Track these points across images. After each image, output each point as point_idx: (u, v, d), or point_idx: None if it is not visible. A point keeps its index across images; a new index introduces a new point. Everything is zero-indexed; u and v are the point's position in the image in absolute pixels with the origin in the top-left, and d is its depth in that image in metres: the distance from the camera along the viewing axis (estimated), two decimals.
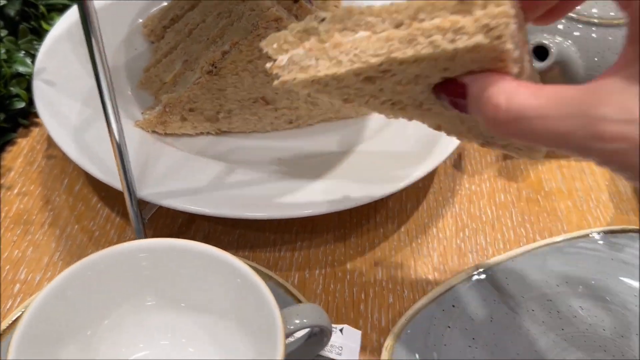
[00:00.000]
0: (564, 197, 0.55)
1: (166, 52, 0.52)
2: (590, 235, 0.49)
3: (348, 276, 0.47)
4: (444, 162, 0.57)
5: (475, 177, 0.56)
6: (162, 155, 0.46)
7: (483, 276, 0.46)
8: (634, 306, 0.45)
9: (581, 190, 0.55)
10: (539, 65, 0.53)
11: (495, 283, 0.46)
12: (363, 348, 0.43)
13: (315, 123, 0.51)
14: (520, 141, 0.30)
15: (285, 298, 0.42)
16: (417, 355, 0.41)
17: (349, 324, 0.42)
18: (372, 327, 0.44)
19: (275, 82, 0.30)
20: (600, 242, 0.49)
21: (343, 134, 0.51)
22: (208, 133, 0.49)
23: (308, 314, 0.36)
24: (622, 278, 0.47)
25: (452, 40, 0.27)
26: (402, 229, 0.51)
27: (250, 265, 0.44)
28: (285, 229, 0.50)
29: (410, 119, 0.34)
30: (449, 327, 0.43)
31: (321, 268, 0.48)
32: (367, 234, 0.51)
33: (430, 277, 0.48)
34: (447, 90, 0.30)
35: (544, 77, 0.55)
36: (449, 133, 0.35)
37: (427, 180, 0.56)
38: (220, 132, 0.49)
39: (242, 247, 0.49)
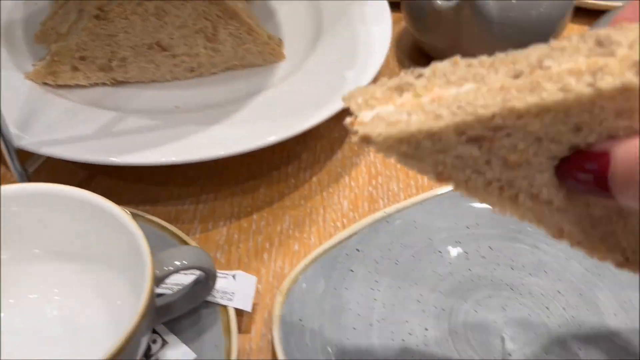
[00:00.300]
0: None
1: (62, 3, 0.50)
2: None
3: (254, 226, 0.46)
4: None
5: None
6: (49, 106, 0.43)
7: (391, 220, 0.44)
8: (544, 245, 0.44)
9: None
10: (444, 3, 0.52)
11: (403, 227, 0.44)
12: (263, 295, 0.41)
13: (220, 71, 0.49)
14: None
15: (171, 242, 0.40)
16: (314, 298, 0.39)
17: (251, 273, 0.41)
18: (274, 275, 0.42)
19: (354, 139, 0.24)
20: None
21: (248, 82, 0.49)
22: (103, 84, 0.47)
23: (186, 256, 0.34)
24: None
25: (591, 84, 0.21)
26: (314, 179, 0.49)
27: (144, 217, 0.42)
28: (190, 182, 0.48)
29: (522, 218, 0.26)
30: (352, 270, 0.41)
31: (226, 219, 0.46)
32: (277, 185, 0.49)
33: (339, 223, 0.46)
34: (577, 165, 0.23)
35: (454, 19, 0.53)
36: (574, 243, 0.27)
37: (343, 130, 0.54)
38: (117, 83, 0.47)
39: (143, 202, 0.47)
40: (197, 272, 0.37)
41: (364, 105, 0.25)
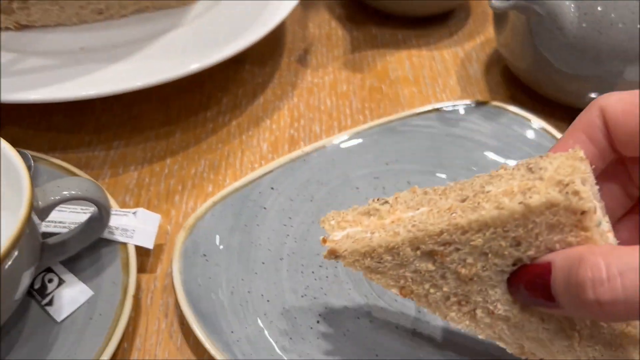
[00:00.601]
0: (410, 84, 0.52)
1: None
2: (425, 113, 0.47)
3: (167, 170, 0.44)
4: (288, 58, 0.55)
5: (320, 71, 0.53)
6: None
7: (308, 159, 0.43)
8: (463, 178, 0.43)
9: (429, 77, 0.53)
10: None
11: (321, 165, 0.43)
12: (171, 236, 0.40)
13: (130, 14, 0.47)
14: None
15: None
16: (221, 235, 0.38)
17: (161, 215, 0.39)
18: (184, 216, 0.41)
19: (324, 254, 0.29)
20: (435, 119, 0.47)
21: (159, 23, 0.47)
22: (7, 28, 0.45)
23: (74, 186, 0.32)
24: (454, 151, 0.45)
25: (521, 202, 0.24)
26: (234, 123, 0.48)
27: (47, 160, 0.40)
28: (102, 129, 0.47)
29: (483, 335, 0.28)
30: (265, 207, 0.40)
31: (137, 164, 0.44)
32: (194, 129, 0.47)
33: (256, 165, 0.45)
34: (522, 277, 0.25)
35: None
36: (535, 358, 0.28)
37: (267, 75, 0.53)
38: (20, 27, 0.45)
39: (52, 149, 0.45)
40: (92, 209, 0.36)
41: (336, 226, 0.30)
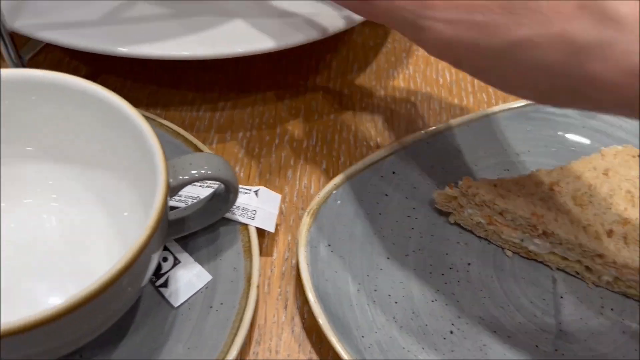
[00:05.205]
0: None
1: None
2: None
3: (277, 140, 0.41)
4: None
5: None
6: None
7: (432, 142, 0.39)
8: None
9: None
10: None
11: (445, 150, 0.39)
12: (287, 216, 0.37)
13: None
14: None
15: (186, 151, 0.35)
16: (343, 223, 0.35)
17: (274, 191, 0.36)
18: (299, 194, 0.38)
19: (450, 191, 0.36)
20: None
21: None
22: None
23: (205, 164, 0.29)
24: (589, 142, 0.40)
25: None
26: (345, 91, 0.44)
27: (155, 121, 0.37)
28: (207, 87, 0.43)
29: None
30: (387, 194, 0.37)
31: (246, 131, 0.41)
32: (303, 95, 0.43)
33: (372, 143, 0.41)
34: None
35: None
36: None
37: (380, 38, 0.48)
38: None
39: (153, 105, 0.41)
40: (215, 185, 0.33)
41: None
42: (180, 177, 0.28)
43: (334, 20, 0.38)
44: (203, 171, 0.29)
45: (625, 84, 0.23)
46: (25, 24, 0.34)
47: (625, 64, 0.23)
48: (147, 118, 0.29)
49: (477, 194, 0.34)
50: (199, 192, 0.33)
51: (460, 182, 0.36)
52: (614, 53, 0.23)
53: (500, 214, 0.34)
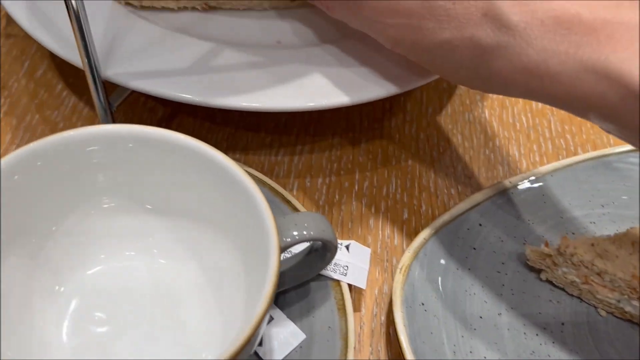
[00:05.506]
0: None
1: None
2: None
3: (356, 186, 0.40)
4: None
5: None
6: (135, 31, 0.37)
7: (517, 192, 0.39)
8: None
9: None
10: None
11: (531, 200, 0.39)
12: (371, 269, 0.36)
13: None
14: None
15: (282, 207, 0.35)
16: (434, 279, 0.34)
17: (358, 242, 0.35)
18: (382, 245, 0.37)
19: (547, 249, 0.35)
20: None
21: None
22: (193, 8, 0.40)
23: (309, 224, 0.29)
24: None
25: None
26: (422, 136, 0.43)
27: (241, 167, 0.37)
28: (284, 130, 0.43)
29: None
30: (474, 248, 0.36)
31: (325, 176, 0.40)
32: (379, 139, 0.43)
33: (453, 190, 0.40)
34: None
35: None
36: None
37: None
38: (209, 8, 0.41)
39: (232, 148, 0.41)
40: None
41: None
42: (287, 240, 0.28)
43: (411, 74, 0.37)
44: (305, 232, 0.29)
45: (521, 80, 0.29)
46: (116, 72, 0.34)
47: (517, 63, 0.28)
48: (247, 173, 0.29)
49: (575, 253, 0.33)
50: (294, 247, 0.33)
51: (555, 241, 0.35)
52: (509, 54, 0.28)
53: (598, 274, 0.33)
